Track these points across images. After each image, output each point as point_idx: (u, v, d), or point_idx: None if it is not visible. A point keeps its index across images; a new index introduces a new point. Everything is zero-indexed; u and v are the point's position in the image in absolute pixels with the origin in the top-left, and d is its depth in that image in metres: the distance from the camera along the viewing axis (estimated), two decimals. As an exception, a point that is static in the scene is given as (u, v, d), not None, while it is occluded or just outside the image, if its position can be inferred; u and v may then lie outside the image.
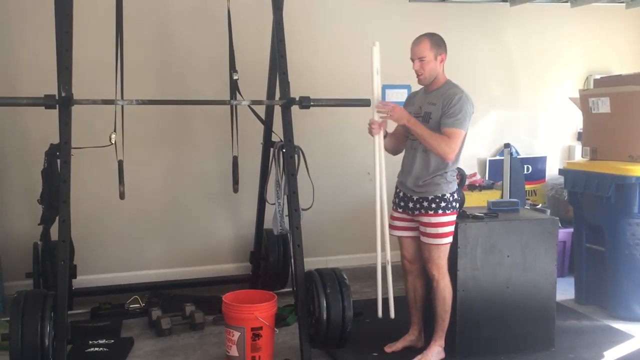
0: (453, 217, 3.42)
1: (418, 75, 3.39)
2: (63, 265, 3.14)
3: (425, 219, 3.38)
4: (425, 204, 3.39)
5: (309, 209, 3.75)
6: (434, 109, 3.37)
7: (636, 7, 5.66)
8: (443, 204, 3.38)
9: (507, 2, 5.52)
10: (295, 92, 3.67)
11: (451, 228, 3.41)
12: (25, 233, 4.32)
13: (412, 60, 3.38)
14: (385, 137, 3.45)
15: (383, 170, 3.39)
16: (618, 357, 3.64)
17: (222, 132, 4.47)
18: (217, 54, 4.48)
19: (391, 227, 3.58)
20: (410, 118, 3.34)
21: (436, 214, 3.36)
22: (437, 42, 3.36)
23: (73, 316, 4.03)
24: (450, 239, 3.42)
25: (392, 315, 3.40)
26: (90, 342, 3.67)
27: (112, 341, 3.73)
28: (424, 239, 3.40)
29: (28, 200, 4.27)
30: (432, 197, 3.37)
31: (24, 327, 2.88)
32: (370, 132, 3.40)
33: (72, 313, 4.05)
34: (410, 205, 3.45)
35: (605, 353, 3.67)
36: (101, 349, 3.62)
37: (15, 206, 4.44)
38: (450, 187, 3.41)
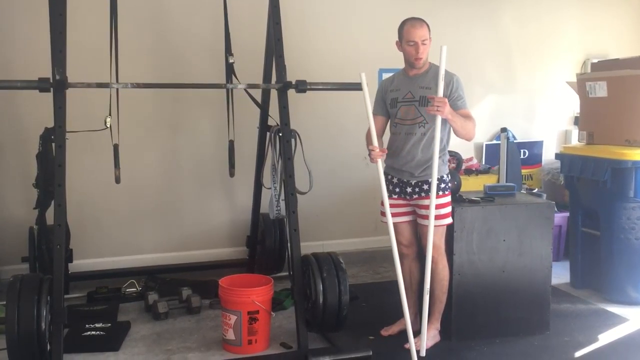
0: (450, 198, 3.45)
1: (418, 58, 3.37)
2: (59, 249, 3.14)
3: (427, 202, 3.37)
4: (426, 187, 3.39)
5: (306, 192, 3.74)
6: (430, 92, 3.34)
7: (634, -9, 5.64)
8: (442, 185, 3.39)
9: (503, -16, 5.50)
10: (291, 76, 3.65)
11: (450, 209, 3.44)
12: (20, 217, 4.31)
13: (411, 42, 3.35)
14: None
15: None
16: (612, 340, 3.67)
17: (218, 115, 4.45)
18: (213, 37, 4.46)
19: (384, 214, 3.56)
20: (452, 111, 3.23)
21: (437, 196, 3.35)
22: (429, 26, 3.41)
23: (69, 300, 4.04)
24: (450, 220, 3.43)
25: (423, 353, 3.27)
26: (86, 325, 3.68)
27: (109, 325, 3.74)
28: (426, 222, 3.39)
29: (23, 185, 4.25)
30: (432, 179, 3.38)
31: (21, 311, 2.88)
32: (375, 159, 3.29)
33: (69, 297, 4.06)
34: (408, 190, 3.45)
35: (599, 336, 3.70)
36: (98, 332, 3.63)
37: (10, 190, 4.42)
38: (446, 169, 3.45)
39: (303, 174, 3.78)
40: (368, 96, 3.20)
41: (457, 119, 3.27)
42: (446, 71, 3.38)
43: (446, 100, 3.18)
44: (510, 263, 3.61)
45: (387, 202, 3.29)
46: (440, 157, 3.39)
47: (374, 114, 3.49)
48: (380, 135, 3.49)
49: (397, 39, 3.44)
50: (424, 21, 3.38)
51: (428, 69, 3.44)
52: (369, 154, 3.33)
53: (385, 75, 5.08)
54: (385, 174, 3.51)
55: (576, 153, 4.51)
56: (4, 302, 2.99)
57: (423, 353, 3.22)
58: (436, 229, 3.39)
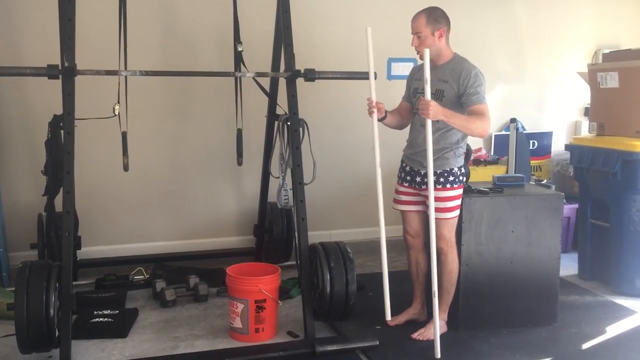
0: (460, 191, 3.42)
1: (417, 51, 3.36)
2: (67, 236, 3.15)
3: (437, 194, 3.36)
4: (434, 178, 3.37)
5: (309, 183, 3.73)
6: (446, 86, 3.32)
7: (647, -19, 5.58)
8: (451, 178, 3.37)
9: (515, -27, 5.45)
10: (299, 65, 3.64)
11: (458, 202, 3.41)
12: (29, 204, 4.34)
13: (412, 34, 3.35)
14: (384, 118, 3.45)
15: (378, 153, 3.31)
16: (620, 332, 3.66)
17: (226, 104, 4.44)
18: (221, 25, 4.44)
19: (395, 201, 3.58)
20: (446, 111, 3.15)
21: (444, 188, 3.35)
22: (435, 17, 3.29)
23: (78, 287, 4.06)
24: (457, 213, 3.41)
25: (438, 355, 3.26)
26: (95, 312, 3.70)
27: (117, 312, 3.76)
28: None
29: (32, 171, 4.26)
30: (440, 171, 3.36)
31: (29, 297, 2.89)
32: (370, 111, 3.33)
33: (77, 284, 4.08)
34: (418, 179, 3.44)
35: (607, 328, 3.69)
36: (106, 319, 3.65)
37: (19, 177, 4.44)
38: (458, 162, 3.41)
39: (311, 163, 3.77)
40: (372, 53, 3.17)
41: (455, 119, 3.18)
42: (465, 62, 3.35)
43: (430, 101, 3.07)
44: (519, 254, 3.59)
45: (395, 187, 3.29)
46: (452, 150, 3.39)
47: (402, 99, 3.58)
48: (406, 118, 3.54)
49: None
50: (423, 13, 3.30)
51: (449, 60, 3.37)
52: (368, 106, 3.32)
53: (395, 65, 5.10)
54: (402, 161, 3.58)
55: (586, 144, 4.48)
56: (13, 288, 3.01)
57: (438, 355, 3.21)
58: (446, 222, 3.39)
